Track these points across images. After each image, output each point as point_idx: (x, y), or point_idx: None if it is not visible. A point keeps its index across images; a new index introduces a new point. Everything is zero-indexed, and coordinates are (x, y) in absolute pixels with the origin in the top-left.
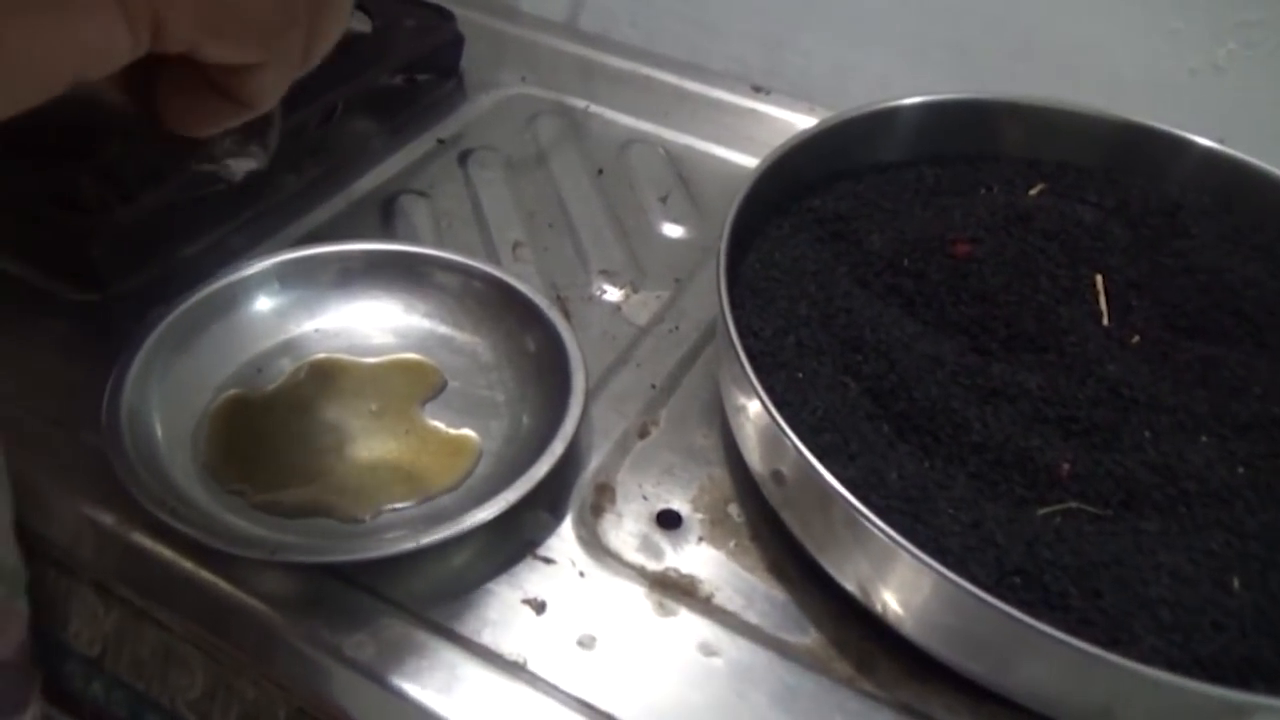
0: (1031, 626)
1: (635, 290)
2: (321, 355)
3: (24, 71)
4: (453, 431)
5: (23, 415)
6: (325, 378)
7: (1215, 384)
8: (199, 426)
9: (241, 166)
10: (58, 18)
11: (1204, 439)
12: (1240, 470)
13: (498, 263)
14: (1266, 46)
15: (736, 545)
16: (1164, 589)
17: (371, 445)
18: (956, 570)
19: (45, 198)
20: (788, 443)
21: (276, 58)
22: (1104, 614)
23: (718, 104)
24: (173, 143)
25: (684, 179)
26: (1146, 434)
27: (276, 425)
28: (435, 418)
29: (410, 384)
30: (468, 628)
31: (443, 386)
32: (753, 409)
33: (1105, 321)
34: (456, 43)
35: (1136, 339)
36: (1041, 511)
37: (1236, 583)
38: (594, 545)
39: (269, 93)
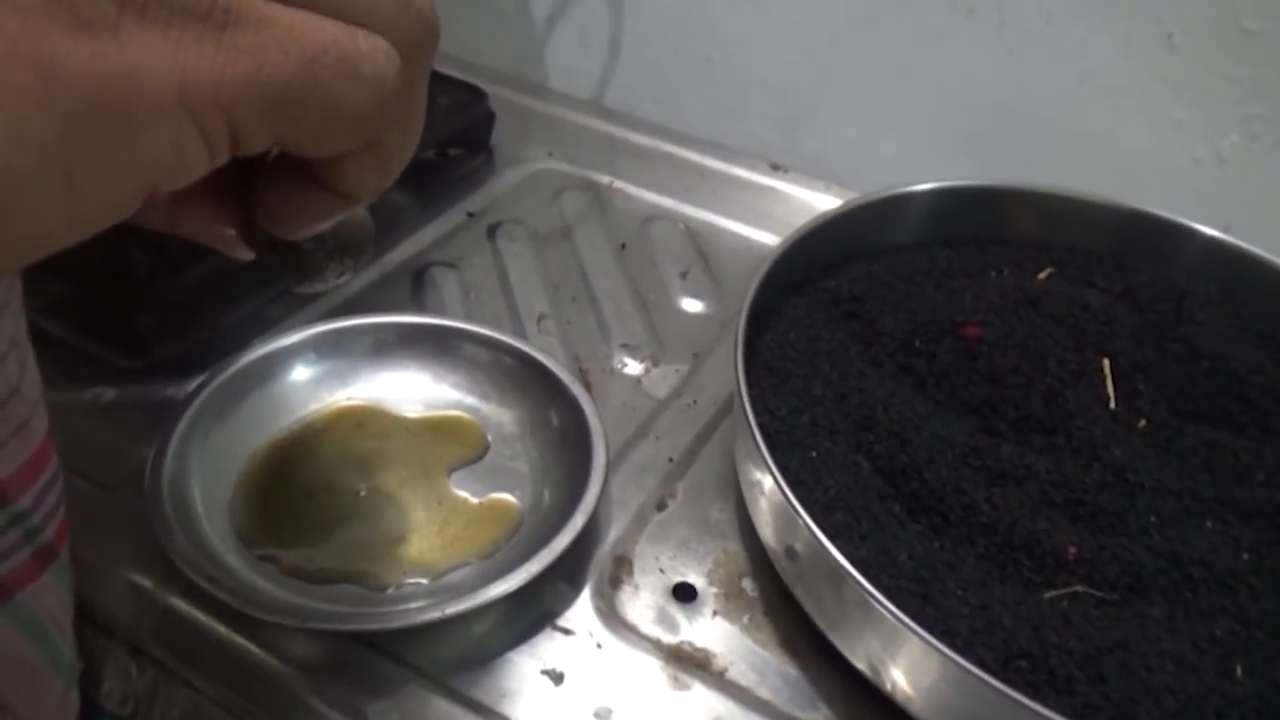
0: (1038, 712)
1: (655, 364)
2: (361, 401)
3: (94, 197)
4: (477, 501)
5: (67, 477)
6: (361, 436)
7: (1220, 470)
8: (235, 492)
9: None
10: (125, 137)
11: (1209, 525)
12: (1245, 557)
13: (523, 334)
14: (1269, 140)
15: (750, 620)
16: (1168, 675)
17: (400, 515)
18: (964, 653)
19: (98, 268)
20: (800, 521)
21: (374, 142)
22: (1109, 699)
23: (737, 181)
24: (278, 268)
25: (703, 254)
26: (1152, 519)
27: (307, 491)
28: (461, 487)
29: (448, 446)
30: (488, 697)
31: (485, 450)
32: (767, 486)
33: (1112, 405)
34: (488, 119)
35: (1143, 423)
36: (1048, 594)
37: (1239, 670)
38: (611, 617)
39: (373, 182)
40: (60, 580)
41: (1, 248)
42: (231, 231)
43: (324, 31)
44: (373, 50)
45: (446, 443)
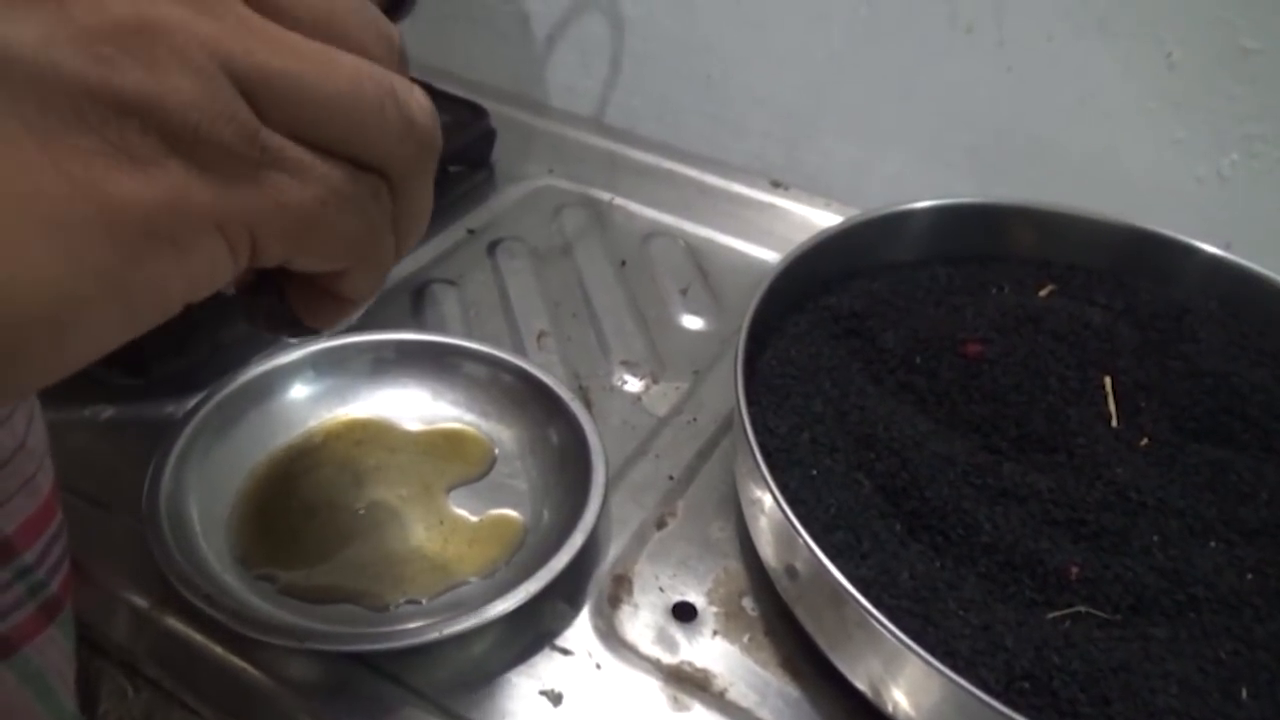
0: None
1: (655, 381)
2: (360, 419)
3: (144, 310)
4: (477, 519)
5: (65, 496)
6: (360, 454)
7: (1223, 489)
8: (233, 511)
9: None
10: (172, 258)
11: (1212, 544)
12: (1249, 577)
13: (523, 351)
14: (1269, 158)
15: (750, 640)
16: (1172, 698)
17: (400, 533)
18: (966, 674)
19: None
20: (800, 541)
21: (366, 262)
22: None
23: (738, 198)
24: (266, 326)
25: (704, 271)
26: (1155, 538)
27: (306, 510)
28: (461, 505)
29: (449, 464)
30: (486, 718)
31: (490, 466)
32: (767, 505)
33: (1114, 423)
34: (489, 137)
35: (1145, 441)
36: (1051, 615)
37: (1245, 693)
38: (611, 637)
39: (367, 290)
40: (64, 633)
41: (62, 357)
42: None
43: (333, 174)
44: (369, 188)
45: (448, 460)
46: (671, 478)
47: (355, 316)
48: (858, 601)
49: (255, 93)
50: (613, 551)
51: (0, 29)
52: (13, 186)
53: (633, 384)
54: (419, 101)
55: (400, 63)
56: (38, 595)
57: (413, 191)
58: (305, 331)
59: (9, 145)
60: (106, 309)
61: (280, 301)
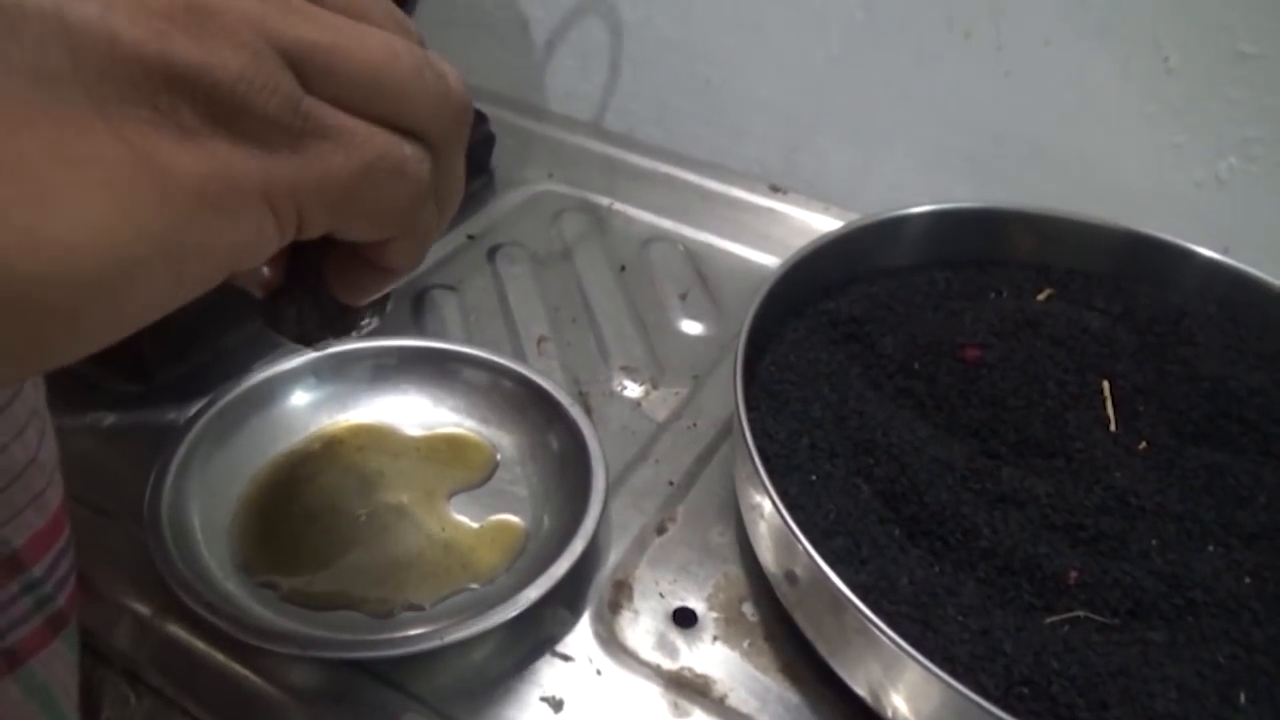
0: None
1: (655, 386)
2: (362, 425)
3: (192, 277)
4: (478, 525)
5: (66, 502)
6: (362, 460)
7: (1221, 493)
8: (234, 517)
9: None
10: (220, 226)
11: (1211, 548)
12: (1247, 581)
13: (523, 357)
14: (1267, 162)
15: (751, 645)
16: (1171, 702)
17: (401, 539)
18: (965, 680)
19: None
20: (800, 547)
21: (412, 230)
22: None
23: (737, 203)
24: (334, 319)
25: (703, 276)
26: (1153, 542)
27: (308, 516)
28: (462, 512)
29: (451, 470)
30: None
31: (492, 471)
32: (766, 510)
33: (1112, 427)
34: (488, 142)
35: (1143, 445)
36: (1049, 620)
37: (1243, 697)
38: (611, 643)
39: (411, 259)
40: (69, 646)
41: (116, 318)
42: (267, 273)
43: (376, 139)
44: (415, 154)
45: (450, 466)
46: (671, 483)
47: (392, 286)
48: (857, 608)
49: (300, 65)
50: (613, 557)
51: (66, 2)
52: (74, 150)
53: (632, 389)
54: (452, 72)
55: (421, 41)
56: (44, 609)
57: (451, 160)
58: (327, 335)
59: (71, 110)
60: (158, 274)
61: (311, 300)
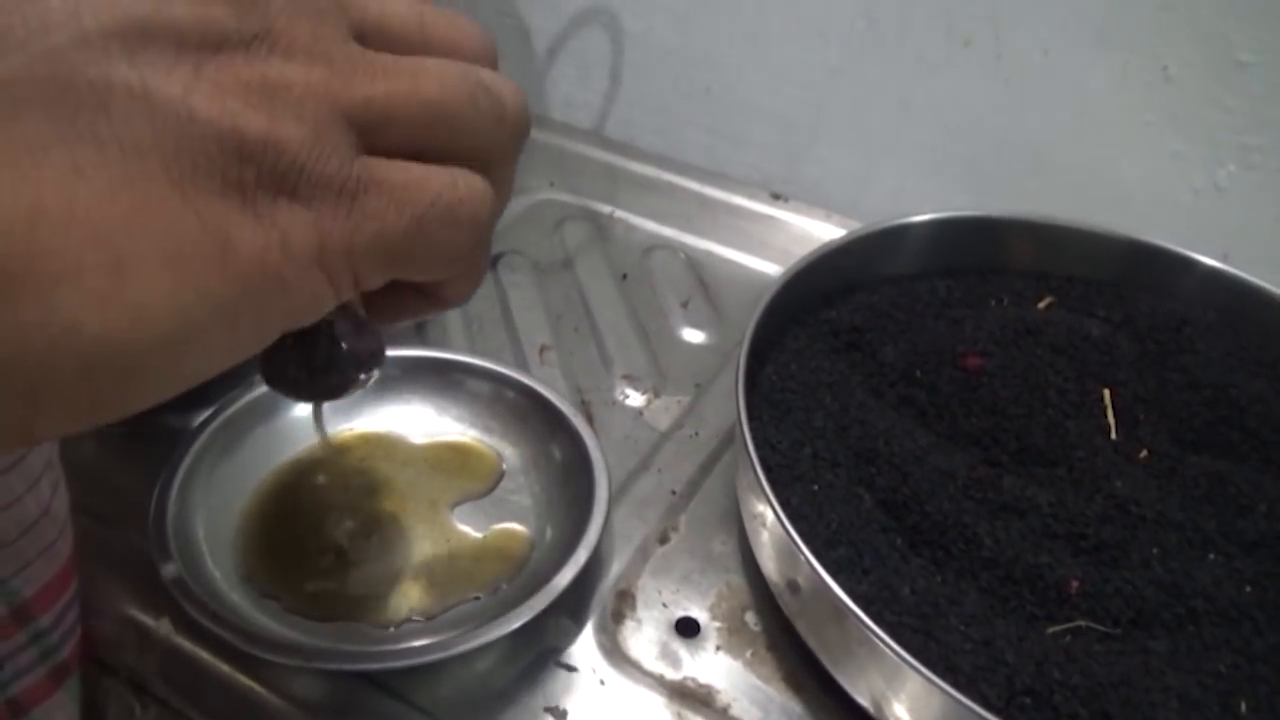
0: None
1: (657, 395)
2: (365, 435)
3: (248, 339)
4: (481, 536)
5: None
6: (366, 470)
7: (1222, 501)
8: (239, 528)
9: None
10: (276, 293)
11: (1211, 557)
12: (1247, 589)
13: (525, 366)
14: (1266, 170)
15: (753, 655)
16: (1172, 712)
17: (405, 549)
18: (967, 690)
19: None
20: (802, 557)
21: (472, 269)
22: None
23: (738, 210)
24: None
25: (704, 284)
26: (1154, 551)
27: (312, 526)
28: (465, 522)
29: (455, 480)
30: None
31: (498, 481)
32: (768, 520)
33: (1113, 436)
34: None
35: (1144, 454)
36: (1051, 629)
37: (1244, 706)
38: (614, 653)
39: (466, 293)
40: (71, 697)
41: (173, 378)
42: None
43: (430, 184)
44: (470, 192)
45: (455, 476)
46: (674, 492)
47: (433, 314)
48: (859, 618)
49: (359, 121)
50: (616, 567)
51: (151, 83)
52: (151, 221)
53: (635, 398)
54: (509, 87)
55: (492, 53)
56: (49, 659)
57: (505, 177)
58: (319, 395)
59: (150, 182)
60: (215, 337)
61: (309, 355)
